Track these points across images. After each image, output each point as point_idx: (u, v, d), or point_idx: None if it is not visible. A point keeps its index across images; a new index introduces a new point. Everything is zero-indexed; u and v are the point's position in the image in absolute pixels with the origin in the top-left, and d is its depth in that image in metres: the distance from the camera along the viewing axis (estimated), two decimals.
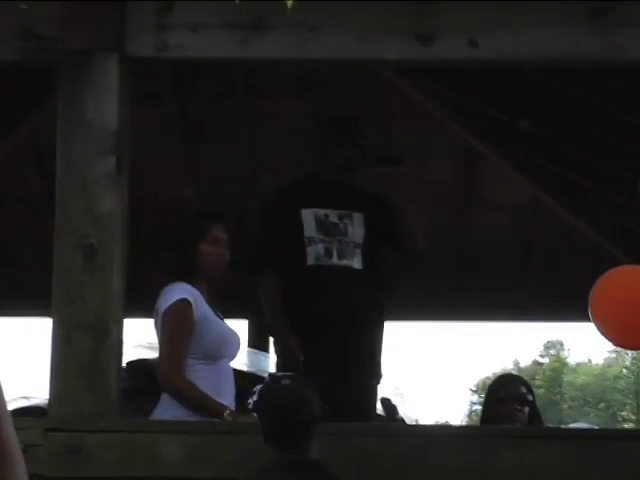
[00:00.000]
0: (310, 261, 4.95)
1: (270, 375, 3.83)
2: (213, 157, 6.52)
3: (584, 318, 7.90)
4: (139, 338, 6.11)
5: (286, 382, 3.74)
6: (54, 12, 4.06)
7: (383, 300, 5.16)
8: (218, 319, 4.41)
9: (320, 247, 4.95)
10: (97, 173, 3.96)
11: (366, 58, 4.17)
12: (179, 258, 4.44)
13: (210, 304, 4.39)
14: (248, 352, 6.70)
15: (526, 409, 4.66)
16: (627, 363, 39.60)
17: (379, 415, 5.83)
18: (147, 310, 4.47)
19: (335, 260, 4.96)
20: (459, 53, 4.06)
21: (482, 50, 4.04)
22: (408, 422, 6.63)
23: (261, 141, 6.43)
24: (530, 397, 4.72)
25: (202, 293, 4.37)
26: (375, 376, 5.04)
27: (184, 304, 4.28)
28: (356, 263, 4.99)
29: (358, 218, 5.04)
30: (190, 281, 4.36)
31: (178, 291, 4.32)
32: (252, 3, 3.99)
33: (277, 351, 5.00)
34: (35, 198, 6.48)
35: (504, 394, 4.66)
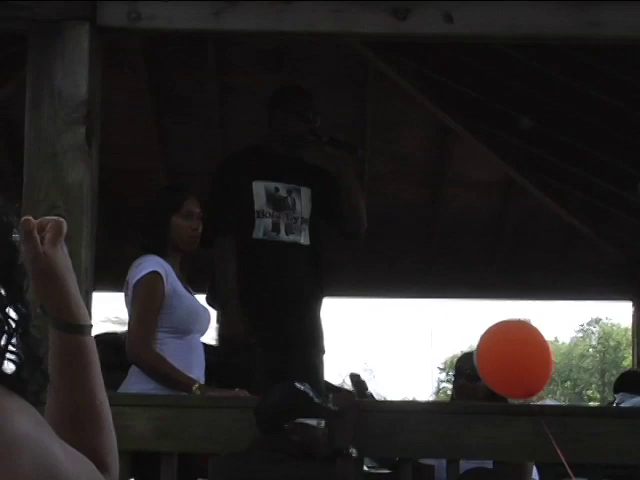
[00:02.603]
0: (258, 235, 4.90)
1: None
2: (185, 130, 6.47)
3: (552, 296, 7.99)
4: (107, 312, 6.08)
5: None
6: None
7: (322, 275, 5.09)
8: (188, 294, 4.38)
9: (268, 221, 4.90)
10: (66, 143, 3.90)
11: (341, 32, 4.12)
12: (151, 231, 4.39)
13: (180, 278, 4.36)
14: None
15: None
16: (593, 342, 39.88)
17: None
18: (116, 284, 4.43)
19: (282, 235, 4.91)
20: (434, 28, 4.03)
21: (457, 25, 4.00)
22: (377, 398, 6.63)
23: (233, 115, 6.39)
24: None
25: (173, 267, 4.34)
26: (321, 350, 5.02)
27: (155, 276, 4.25)
28: (303, 239, 4.95)
29: (306, 193, 4.98)
30: (161, 254, 4.33)
31: (149, 263, 4.28)
32: None
33: (221, 321, 4.93)
34: (4, 169, 6.41)
35: (475, 372, 4.63)
